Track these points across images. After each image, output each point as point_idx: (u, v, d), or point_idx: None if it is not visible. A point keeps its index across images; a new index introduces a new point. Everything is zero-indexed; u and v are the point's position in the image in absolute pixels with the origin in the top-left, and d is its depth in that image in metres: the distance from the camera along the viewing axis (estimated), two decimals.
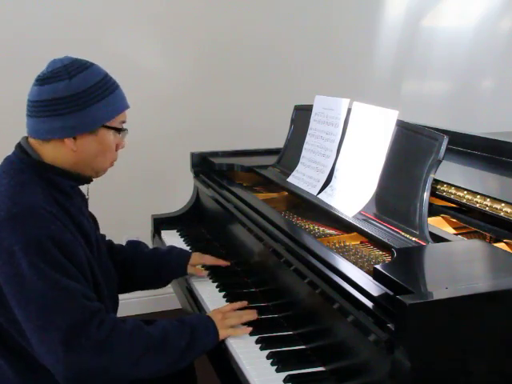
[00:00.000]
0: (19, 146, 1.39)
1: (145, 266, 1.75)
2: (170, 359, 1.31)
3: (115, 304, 1.56)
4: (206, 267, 1.83)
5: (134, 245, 1.81)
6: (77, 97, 1.31)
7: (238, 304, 1.53)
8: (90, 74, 1.35)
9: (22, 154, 1.37)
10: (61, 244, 1.25)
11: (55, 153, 1.37)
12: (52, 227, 1.25)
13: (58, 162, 1.37)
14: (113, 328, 1.24)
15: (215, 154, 2.29)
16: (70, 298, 1.21)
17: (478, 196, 1.47)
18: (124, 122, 1.44)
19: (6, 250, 1.21)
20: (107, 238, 1.73)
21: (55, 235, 1.25)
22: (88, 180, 1.46)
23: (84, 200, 1.49)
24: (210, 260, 1.82)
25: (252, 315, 1.48)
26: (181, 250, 1.84)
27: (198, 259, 1.81)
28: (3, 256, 1.21)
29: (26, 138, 1.40)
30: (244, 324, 1.46)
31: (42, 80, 1.34)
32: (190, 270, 1.79)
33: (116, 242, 1.80)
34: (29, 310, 1.20)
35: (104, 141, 1.39)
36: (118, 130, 1.42)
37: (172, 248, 1.84)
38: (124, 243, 1.83)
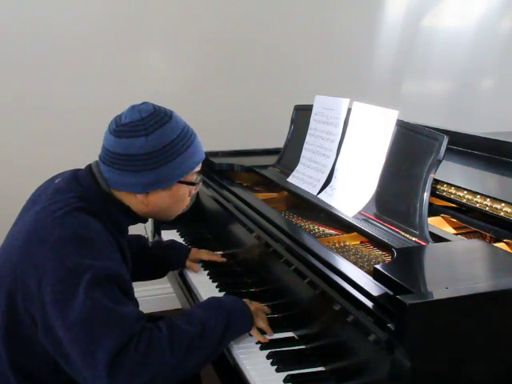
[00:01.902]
0: (90, 170, 1.36)
1: (148, 258, 1.79)
2: (210, 349, 1.27)
3: None
4: (204, 265, 1.88)
5: (137, 239, 1.81)
6: (152, 155, 1.28)
7: (266, 308, 1.51)
8: (168, 130, 1.30)
9: (92, 180, 1.34)
10: (118, 278, 1.22)
11: (126, 199, 1.35)
12: (112, 259, 1.23)
13: (127, 203, 1.35)
14: (149, 341, 1.18)
15: (215, 154, 2.29)
16: (120, 324, 1.17)
17: (478, 196, 1.47)
18: (199, 171, 1.41)
19: (64, 269, 1.16)
20: None
21: (114, 267, 1.22)
22: (145, 220, 1.46)
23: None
24: (206, 255, 1.89)
25: (270, 330, 1.43)
26: (181, 245, 1.93)
27: (196, 254, 1.88)
28: (61, 274, 1.16)
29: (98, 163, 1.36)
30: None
31: (119, 132, 1.29)
32: (188, 264, 1.86)
33: None
34: (77, 333, 1.15)
35: (178, 194, 1.38)
36: (193, 184, 1.40)
37: (173, 242, 1.91)
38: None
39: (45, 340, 1.20)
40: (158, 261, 1.83)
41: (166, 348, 1.19)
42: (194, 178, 1.41)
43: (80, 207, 1.27)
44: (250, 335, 1.41)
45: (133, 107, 1.34)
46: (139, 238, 1.84)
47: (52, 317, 1.17)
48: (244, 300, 1.44)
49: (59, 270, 1.17)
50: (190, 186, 1.41)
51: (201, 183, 1.46)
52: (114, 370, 1.14)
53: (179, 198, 1.39)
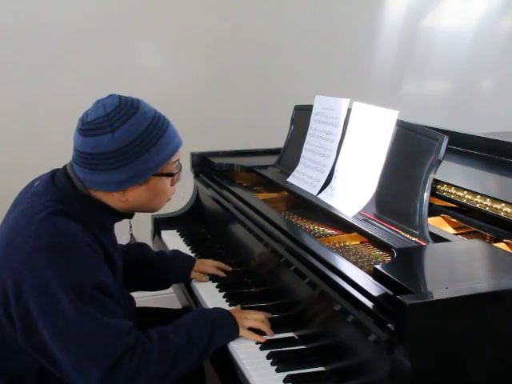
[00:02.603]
0: (65, 172, 1.32)
1: (148, 269, 1.74)
2: (195, 357, 1.30)
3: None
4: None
5: (138, 247, 1.80)
6: (121, 152, 1.23)
7: (263, 315, 1.48)
8: (135, 124, 1.24)
9: (68, 182, 1.30)
10: (101, 285, 1.21)
11: (105, 197, 1.32)
12: (92, 266, 1.21)
13: (107, 201, 1.32)
14: (142, 354, 1.21)
15: (215, 154, 2.29)
16: (112, 338, 1.18)
17: (478, 196, 1.47)
18: (178, 159, 1.36)
19: (44, 281, 1.15)
20: None
21: (95, 276, 1.20)
22: (131, 215, 1.42)
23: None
24: (211, 269, 1.79)
25: (269, 330, 1.42)
26: (185, 256, 1.82)
27: (201, 267, 1.79)
28: (41, 286, 1.15)
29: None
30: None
31: (85, 130, 1.25)
32: (192, 275, 1.78)
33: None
34: (68, 344, 1.16)
35: (156, 188, 1.32)
36: (171, 175, 1.35)
37: (177, 253, 1.81)
38: (124, 243, 1.83)
39: (32, 347, 1.20)
40: (160, 273, 1.75)
41: (156, 360, 1.22)
42: (171, 168, 1.34)
43: (57, 210, 1.23)
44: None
45: (98, 102, 1.28)
46: (141, 246, 1.80)
47: (39, 326, 1.16)
48: (233, 309, 1.47)
49: (39, 282, 1.15)
50: (170, 177, 1.35)
51: (181, 173, 1.39)
52: (108, 381, 1.16)
53: (159, 191, 1.33)
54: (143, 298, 2.97)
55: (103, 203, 1.31)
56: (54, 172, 1.36)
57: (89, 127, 1.25)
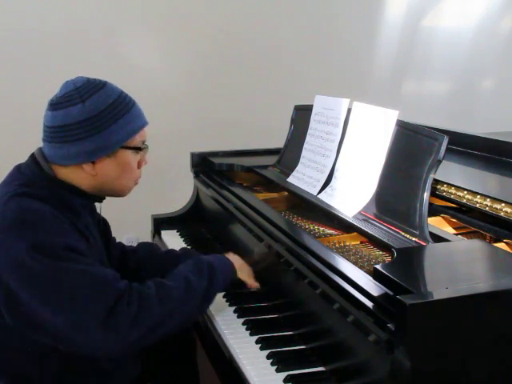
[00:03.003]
0: (32, 158, 1.34)
1: (159, 267, 1.71)
2: (197, 302, 1.33)
3: None
4: None
5: (147, 246, 1.79)
6: (90, 121, 1.27)
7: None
8: (103, 96, 1.29)
9: (35, 166, 1.32)
10: (73, 247, 1.22)
11: (74, 176, 1.33)
12: (62, 231, 1.22)
13: (75, 182, 1.34)
14: (140, 299, 1.23)
15: (215, 154, 2.29)
16: (100, 284, 1.20)
17: (478, 196, 1.47)
18: (144, 139, 1.40)
19: (16, 256, 1.17)
20: (116, 238, 1.71)
21: (65, 238, 1.22)
22: (100, 199, 1.44)
23: (95, 218, 1.45)
24: None
25: (255, 284, 1.56)
26: (193, 252, 1.82)
27: None
28: (13, 264, 1.18)
29: (41, 149, 1.36)
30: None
31: (55, 105, 1.29)
32: None
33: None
34: (59, 305, 1.18)
35: (124, 162, 1.35)
36: (138, 149, 1.38)
37: (186, 250, 1.82)
38: (124, 243, 1.82)
39: (26, 325, 1.22)
40: (171, 267, 1.69)
41: (156, 305, 1.25)
42: (138, 144, 1.38)
43: (22, 193, 1.25)
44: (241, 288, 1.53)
45: (66, 82, 1.33)
46: (150, 245, 1.79)
47: (25, 300, 1.18)
48: (226, 255, 1.54)
49: (12, 259, 1.18)
50: (138, 156, 1.38)
51: (147, 156, 1.43)
52: (109, 328, 1.18)
53: (126, 166, 1.36)
54: None
55: (70, 185, 1.33)
56: (19, 164, 1.38)
57: (58, 101, 1.29)
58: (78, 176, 1.33)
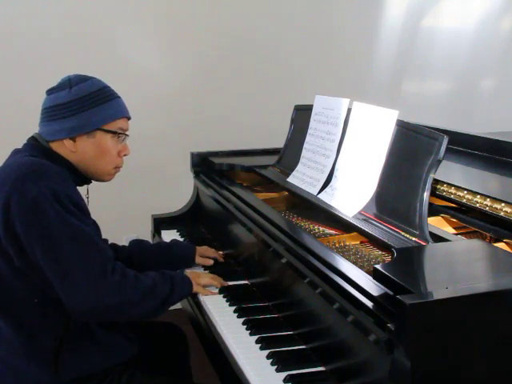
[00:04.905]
0: (31, 138, 1.51)
1: (153, 260, 1.79)
2: (157, 302, 1.46)
3: None
4: (206, 267, 1.84)
5: (138, 242, 1.85)
6: (74, 103, 1.46)
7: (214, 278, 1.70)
8: (90, 84, 1.49)
9: (35, 142, 1.49)
10: (76, 204, 1.38)
11: (59, 150, 1.48)
12: (70, 188, 1.39)
13: (62, 155, 1.48)
14: (123, 273, 1.39)
15: (215, 154, 2.29)
16: (94, 244, 1.36)
17: (478, 196, 1.47)
18: (124, 129, 1.53)
19: (31, 200, 1.31)
20: (108, 240, 1.73)
21: (72, 194, 1.38)
22: (87, 180, 1.56)
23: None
24: (213, 253, 1.88)
25: (221, 283, 1.68)
26: (184, 243, 1.94)
27: (204, 252, 1.87)
28: (28, 205, 1.31)
29: (36, 133, 1.52)
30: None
31: (50, 90, 1.50)
32: (198, 260, 1.84)
33: (116, 242, 1.80)
34: (57, 254, 1.32)
35: (101, 144, 1.50)
36: (115, 134, 1.51)
37: (176, 241, 1.92)
38: (124, 243, 1.83)
39: (25, 267, 1.35)
40: (165, 259, 1.80)
41: (133, 286, 1.40)
42: (117, 129, 1.51)
43: (34, 155, 1.44)
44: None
45: (65, 76, 1.52)
46: (141, 241, 1.86)
47: (32, 244, 1.31)
48: (190, 272, 1.67)
49: (24, 202, 1.31)
50: (116, 141, 1.51)
51: (127, 146, 1.55)
52: (93, 286, 1.32)
53: (104, 148, 1.50)
54: None
55: (62, 157, 1.48)
56: (17, 148, 1.53)
57: (53, 88, 1.51)
58: (62, 151, 1.48)
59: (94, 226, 1.52)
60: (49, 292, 1.36)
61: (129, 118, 1.56)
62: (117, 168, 1.56)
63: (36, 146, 1.48)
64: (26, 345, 1.39)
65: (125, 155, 1.56)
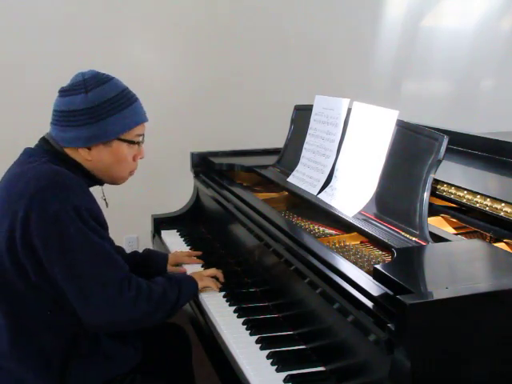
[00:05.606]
0: (43, 139, 1.45)
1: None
2: (168, 307, 1.45)
3: None
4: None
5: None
6: (91, 110, 1.38)
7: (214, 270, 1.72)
8: (107, 89, 1.40)
9: (46, 145, 1.43)
10: (95, 217, 1.35)
11: (74, 156, 1.43)
12: (90, 201, 1.36)
13: (77, 160, 1.44)
14: (138, 286, 1.37)
15: (215, 154, 2.29)
16: (112, 262, 1.34)
17: (478, 196, 1.47)
18: (141, 134, 1.48)
19: (52, 215, 1.27)
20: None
21: (93, 207, 1.35)
22: (101, 182, 1.52)
23: None
24: (188, 260, 1.89)
25: (218, 285, 1.67)
26: (157, 252, 1.91)
27: (175, 259, 1.87)
28: (49, 220, 1.28)
29: (49, 133, 1.46)
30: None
31: (63, 91, 1.42)
32: (170, 269, 1.83)
33: (116, 242, 1.79)
34: (76, 270, 1.29)
35: (118, 152, 1.44)
36: (132, 143, 1.46)
37: (148, 251, 1.87)
38: (124, 243, 1.83)
39: (41, 281, 1.31)
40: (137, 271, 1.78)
41: (146, 299, 1.38)
42: (135, 138, 1.46)
43: (46, 160, 1.38)
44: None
45: (78, 72, 1.44)
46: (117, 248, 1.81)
47: (51, 260, 1.28)
48: (192, 273, 1.67)
49: (44, 216, 1.28)
50: (132, 148, 1.46)
51: (143, 149, 1.51)
52: (107, 305, 1.31)
53: (120, 156, 1.45)
54: None
55: (75, 161, 1.43)
56: (28, 147, 1.47)
57: (66, 89, 1.42)
58: (77, 156, 1.43)
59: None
60: (62, 305, 1.34)
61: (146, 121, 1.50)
62: (131, 172, 1.52)
63: (51, 152, 1.42)
64: (35, 358, 1.35)
65: (140, 158, 1.52)
